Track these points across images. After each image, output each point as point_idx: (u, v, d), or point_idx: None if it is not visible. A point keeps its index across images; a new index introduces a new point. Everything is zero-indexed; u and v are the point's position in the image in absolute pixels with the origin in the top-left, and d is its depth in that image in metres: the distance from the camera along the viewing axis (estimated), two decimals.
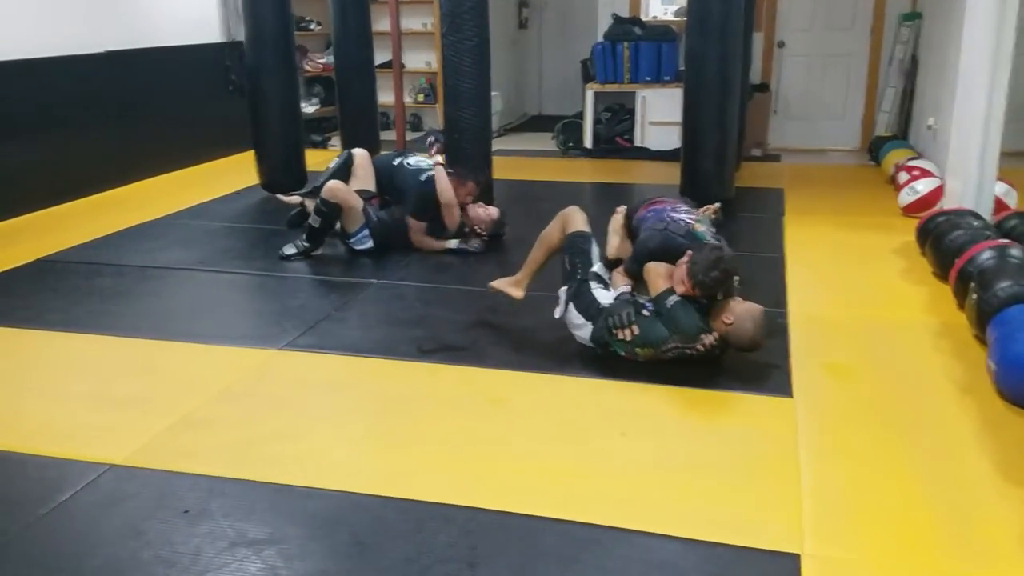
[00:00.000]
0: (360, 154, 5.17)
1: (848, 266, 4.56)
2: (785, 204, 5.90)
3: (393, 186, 4.97)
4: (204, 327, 3.72)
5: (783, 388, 3.11)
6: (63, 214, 5.72)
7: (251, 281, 4.38)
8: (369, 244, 4.75)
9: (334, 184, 4.68)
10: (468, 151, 5.79)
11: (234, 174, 6.57)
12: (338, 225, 4.71)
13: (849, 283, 4.28)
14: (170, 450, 2.69)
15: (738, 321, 3.17)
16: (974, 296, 3.51)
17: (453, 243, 4.78)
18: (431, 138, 5.11)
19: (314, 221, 4.66)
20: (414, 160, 5.02)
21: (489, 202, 5.92)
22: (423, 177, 4.83)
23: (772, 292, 4.07)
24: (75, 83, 6.06)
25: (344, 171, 5.06)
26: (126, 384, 3.17)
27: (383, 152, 5.14)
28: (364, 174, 5.03)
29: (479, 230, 4.83)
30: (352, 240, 4.74)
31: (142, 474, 2.55)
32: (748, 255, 4.72)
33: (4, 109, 5.51)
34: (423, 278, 4.42)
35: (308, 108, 8.85)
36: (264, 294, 4.24)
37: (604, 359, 3.31)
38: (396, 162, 5.00)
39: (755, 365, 3.27)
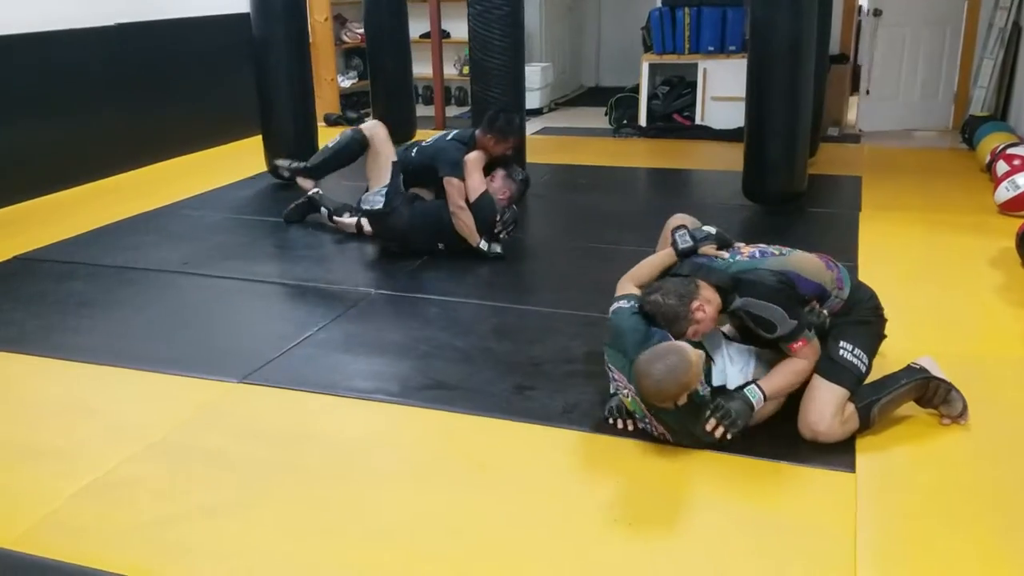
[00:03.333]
0: (373, 130, 4.51)
1: (933, 281, 3.82)
2: (862, 197, 5.13)
3: (419, 174, 4.27)
4: (164, 349, 3.24)
5: (843, 458, 2.45)
6: (61, 202, 5.32)
7: (233, 288, 3.88)
8: (379, 205, 4.18)
9: (376, 124, 4.52)
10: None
11: (253, 157, 6.09)
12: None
13: (933, 304, 3.55)
14: (69, 529, 2.20)
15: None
16: None
17: (483, 244, 4.14)
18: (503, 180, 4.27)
19: (331, 142, 4.58)
20: (432, 138, 4.44)
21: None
22: (449, 136, 4.30)
23: None
24: (81, 59, 5.64)
25: (347, 155, 4.58)
26: (52, 429, 2.70)
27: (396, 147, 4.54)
28: (389, 154, 4.39)
29: (502, 197, 4.20)
30: (365, 196, 4.31)
31: (25, 567, 2.07)
32: None
33: (1, 88, 5.12)
34: (428, 288, 3.86)
35: (345, 82, 8.36)
36: (244, 304, 3.74)
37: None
38: (415, 151, 4.38)
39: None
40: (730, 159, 5.88)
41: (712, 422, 2.43)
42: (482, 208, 4.11)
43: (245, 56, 6.64)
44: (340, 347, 3.26)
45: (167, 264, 4.15)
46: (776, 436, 2.54)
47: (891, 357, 3.06)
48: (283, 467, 2.46)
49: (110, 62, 5.85)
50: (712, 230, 2.72)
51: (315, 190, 4.66)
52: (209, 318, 3.58)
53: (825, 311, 2.65)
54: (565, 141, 7.13)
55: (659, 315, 2.51)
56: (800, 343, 2.51)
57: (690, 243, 2.68)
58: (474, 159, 4.17)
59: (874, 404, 2.53)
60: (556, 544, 2.12)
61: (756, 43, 4.70)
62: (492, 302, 3.69)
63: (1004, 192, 4.69)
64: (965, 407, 2.60)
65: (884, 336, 2.75)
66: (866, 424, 2.53)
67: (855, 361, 2.57)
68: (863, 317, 2.68)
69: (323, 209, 4.57)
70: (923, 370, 2.63)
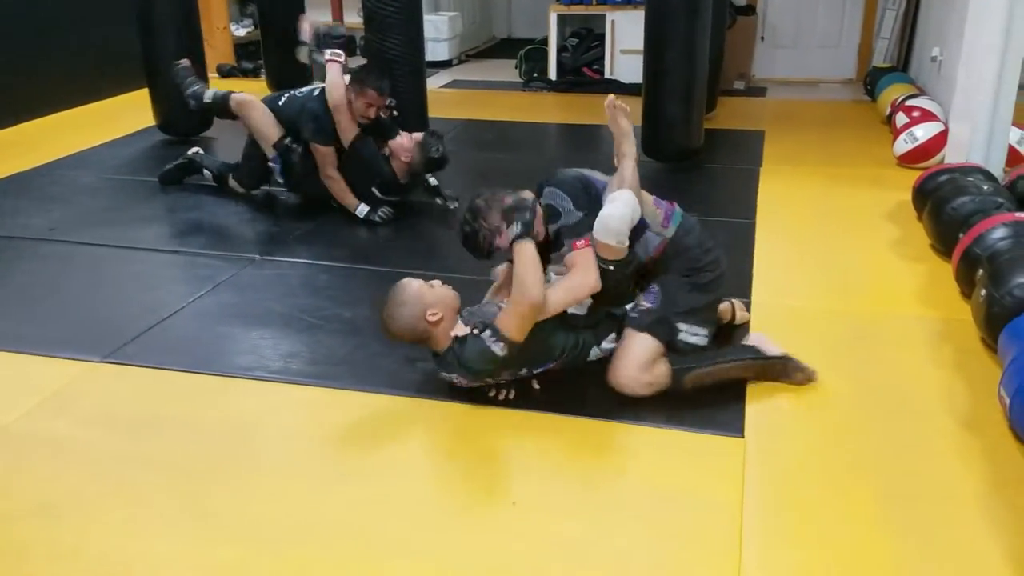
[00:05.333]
0: (240, 110, 4.04)
1: (830, 236, 3.80)
2: (764, 151, 5.09)
3: (288, 128, 4.00)
4: (18, 325, 2.98)
5: (733, 422, 2.40)
6: None
7: (103, 256, 3.61)
8: (280, 179, 4.05)
9: (246, 97, 4.03)
10: (397, 88, 4.98)
11: (137, 113, 5.69)
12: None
13: (829, 260, 3.53)
14: None
15: None
16: (983, 292, 2.78)
17: (362, 209, 3.94)
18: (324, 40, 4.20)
19: (208, 96, 4.18)
20: (306, 88, 4.11)
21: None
22: (315, 92, 3.96)
23: (737, 273, 3.32)
24: None
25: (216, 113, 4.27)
26: None
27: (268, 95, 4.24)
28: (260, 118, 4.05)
29: (403, 159, 3.93)
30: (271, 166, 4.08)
31: None
32: (712, 220, 3.97)
33: None
34: (318, 253, 3.65)
35: (239, 31, 7.92)
36: (113, 274, 3.46)
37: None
38: (283, 100, 4.06)
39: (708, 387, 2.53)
40: (637, 114, 5.77)
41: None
42: (359, 152, 3.89)
43: (127, 3, 6.19)
44: (217, 320, 3.05)
45: (32, 231, 3.84)
46: (664, 401, 2.46)
47: (784, 313, 3.04)
48: (139, 458, 2.27)
49: None
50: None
51: (195, 150, 4.36)
52: (73, 290, 3.31)
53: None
54: (474, 95, 6.92)
55: (473, 214, 2.48)
56: (583, 241, 2.40)
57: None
58: (337, 98, 3.85)
59: (690, 371, 2.46)
60: (447, 531, 2.00)
61: None
62: (386, 267, 3.51)
63: (903, 144, 4.71)
64: (805, 371, 2.56)
65: (721, 299, 2.72)
66: (676, 388, 2.46)
67: (693, 340, 2.53)
68: (698, 279, 2.57)
69: (206, 172, 4.29)
70: (752, 349, 2.59)
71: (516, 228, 2.39)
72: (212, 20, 7.26)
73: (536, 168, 5.06)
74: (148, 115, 5.39)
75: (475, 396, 2.50)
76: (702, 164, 4.78)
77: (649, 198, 2.65)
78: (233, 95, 4.07)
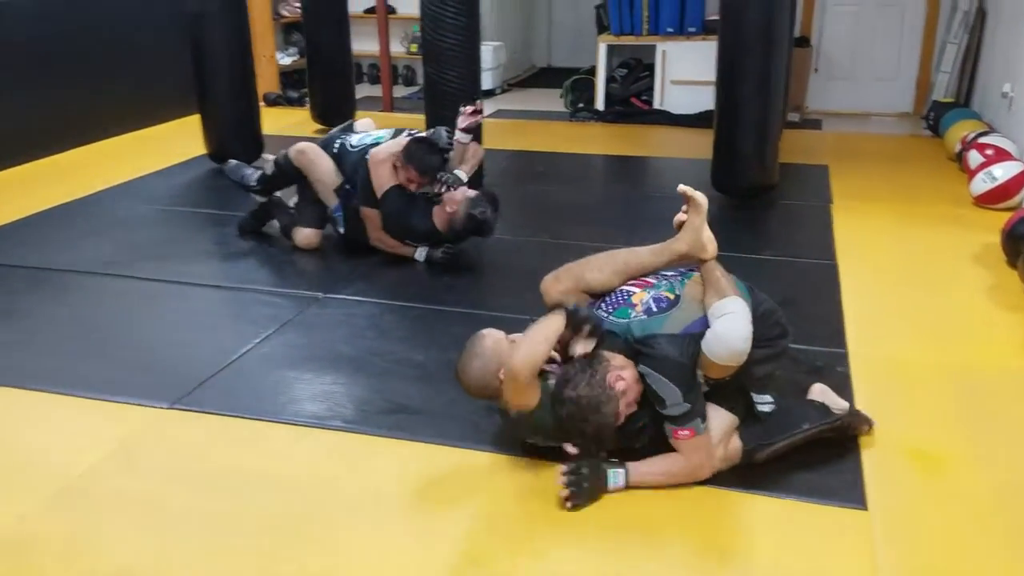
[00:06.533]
0: (298, 159, 3.87)
1: (918, 280, 3.61)
2: (831, 187, 4.92)
3: (346, 176, 3.85)
4: (79, 367, 2.85)
5: (853, 492, 2.21)
6: None
7: (164, 292, 3.48)
8: (341, 228, 3.89)
9: (305, 145, 3.88)
10: (453, 121, 4.87)
11: (189, 139, 5.62)
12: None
13: (922, 307, 3.34)
14: None
15: None
16: None
17: (420, 253, 3.77)
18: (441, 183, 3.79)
19: (268, 168, 4.02)
20: (357, 139, 3.91)
21: (478, 184, 4.98)
22: (367, 155, 3.77)
23: (825, 319, 3.16)
24: None
25: (284, 181, 4.01)
26: None
27: (325, 135, 4.07)
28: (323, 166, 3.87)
29: (447, 210, 3.67)
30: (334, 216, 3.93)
31: None
32: (791, 260, 3.82)
33: None
34: (383, 292, 3.51)
35: (285, 59, 7.88)
36: (175, 312, 3.33)
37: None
38: (336, 147, 3.89)
39: (810, 448, 2.35)
40: (692, 146, 5.65)
41: (561, 481, 2.15)
42: (385, 204, 3.70)
43: (179, 30, 6.16)
44: (286, 363, 2.90)
45: (88, 264, 3.73)
46: (773, 464, 2.28)
47: (885, 367, 2.86)
48: (219, 516, 2.12)
49: (30, 37, 5.31)
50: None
51: (276, 193, 4.09)
52: (132, 328, 3.18)
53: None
54: (520, 125, 6.81)
55: (582, 411, 2.12)
56: (686, 432, 2.16)
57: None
58: (380, 156, 3.69)
59: (763, 448, 2.26)
60: None
61: (726, 28, 4.42)
62: (452, 307, 3.38)
63: (981, 184, 4.52)
64: (869, 421, 2.45)
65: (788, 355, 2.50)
66: (746, 462, 2.27)
67: (765, 409, 2.34)
68: (766, 349, 2.32)
69: (275, 222, 4.05)
70: (824, 409, 2.41)
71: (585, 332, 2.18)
72: (258, 48, 7.19)
73: (589, 202, 4.99)
74: (199, 142, 5.31)
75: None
76: (774, 200, 4.61)
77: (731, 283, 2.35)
78: (291, 149, 3.89)
